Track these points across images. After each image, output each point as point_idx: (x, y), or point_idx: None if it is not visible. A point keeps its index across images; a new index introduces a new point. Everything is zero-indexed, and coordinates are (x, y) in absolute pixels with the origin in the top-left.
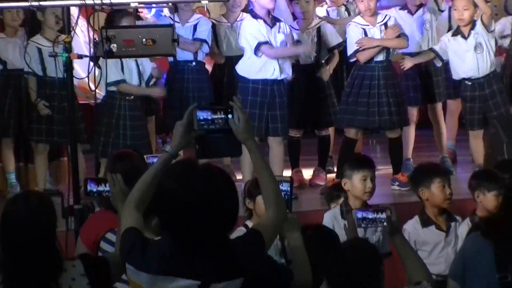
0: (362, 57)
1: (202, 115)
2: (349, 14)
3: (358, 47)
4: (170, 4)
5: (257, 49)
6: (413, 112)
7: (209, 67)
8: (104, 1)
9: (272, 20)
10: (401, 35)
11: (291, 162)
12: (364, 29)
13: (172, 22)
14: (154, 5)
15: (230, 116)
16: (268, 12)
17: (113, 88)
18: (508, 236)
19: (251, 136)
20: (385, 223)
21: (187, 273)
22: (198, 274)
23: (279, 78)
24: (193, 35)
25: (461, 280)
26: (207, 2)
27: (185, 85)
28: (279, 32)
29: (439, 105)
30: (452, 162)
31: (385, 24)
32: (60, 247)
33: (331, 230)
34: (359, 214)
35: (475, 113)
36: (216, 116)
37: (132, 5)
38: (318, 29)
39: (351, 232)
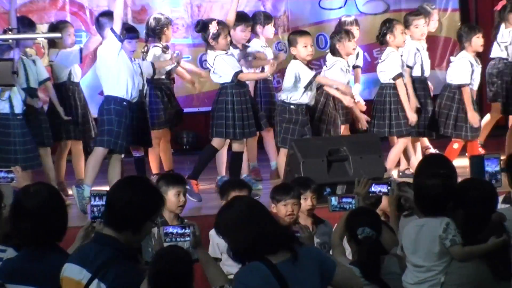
0: None
1: None
2: None
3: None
4: (10, 41)
5: None
6: None
7: None
8: None
9: None
10: None
11: None
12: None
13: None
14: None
15: None
16: None
17: (5, 111)
18: None
19: None
20: (189, 238)
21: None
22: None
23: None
24: None
25: None
26: (43, 39)
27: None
28: None
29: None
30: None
31: None
32: None
33: None
34: (167, 229)
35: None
36: None
37: None
38: None
39: (157, 245)
